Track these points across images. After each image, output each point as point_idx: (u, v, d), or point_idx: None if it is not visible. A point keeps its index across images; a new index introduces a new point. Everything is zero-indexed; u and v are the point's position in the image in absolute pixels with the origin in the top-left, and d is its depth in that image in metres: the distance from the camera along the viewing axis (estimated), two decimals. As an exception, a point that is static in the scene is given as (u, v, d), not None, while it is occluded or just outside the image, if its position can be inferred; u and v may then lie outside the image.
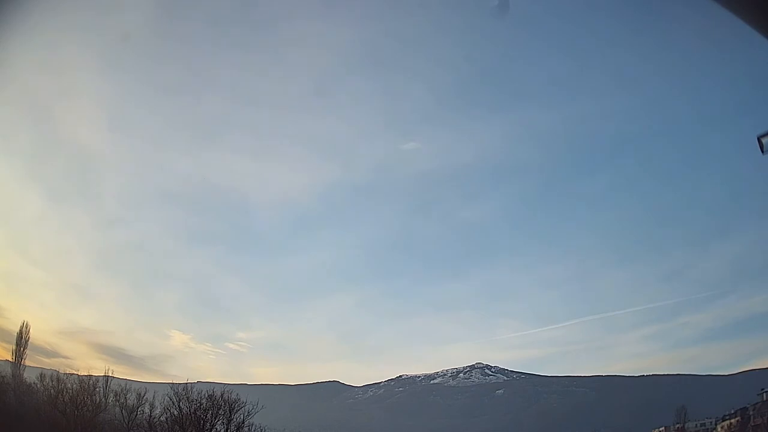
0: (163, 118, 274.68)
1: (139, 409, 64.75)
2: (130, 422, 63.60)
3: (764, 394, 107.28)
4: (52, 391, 61.88)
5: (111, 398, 65.06)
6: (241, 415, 64.39)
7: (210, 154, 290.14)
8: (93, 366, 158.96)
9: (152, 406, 65.26)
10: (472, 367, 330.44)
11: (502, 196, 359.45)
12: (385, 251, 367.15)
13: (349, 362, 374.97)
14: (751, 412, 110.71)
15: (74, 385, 62.36)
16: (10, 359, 73.22)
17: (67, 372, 67.18)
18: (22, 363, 73.44)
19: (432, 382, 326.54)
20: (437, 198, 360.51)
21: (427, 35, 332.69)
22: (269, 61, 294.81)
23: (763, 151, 5.43)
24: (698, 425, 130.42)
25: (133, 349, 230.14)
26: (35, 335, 77.84)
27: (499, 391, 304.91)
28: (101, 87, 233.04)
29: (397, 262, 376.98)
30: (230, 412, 63.70)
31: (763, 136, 5.45)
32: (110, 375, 71.54)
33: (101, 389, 65.41)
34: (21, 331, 76.03)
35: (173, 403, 62.57)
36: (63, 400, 59.40)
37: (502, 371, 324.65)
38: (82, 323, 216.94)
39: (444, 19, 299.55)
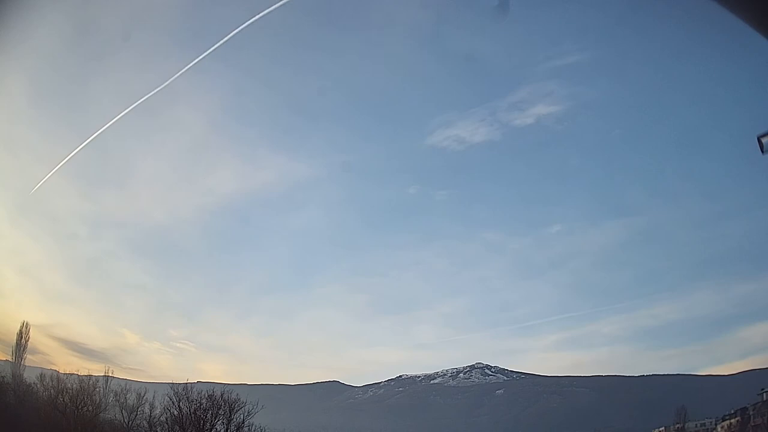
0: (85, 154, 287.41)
1: (139, 409, 64.86)
2: (130, 422, 63.67)
3: (764, 394, 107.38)
4: (52, 391, 61.97)
5: (111, 398, 65.19)
6: (241, 415, 64.48)
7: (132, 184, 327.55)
8: (66, 361, 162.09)
9: (152, 406, 65.41)
10: (472, 367, 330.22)
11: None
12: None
13: (348, 362, 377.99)
14: (751, 412, 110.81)
15: (74, 385, 62.40)
16: (9, 359, 73.55)
17: (67, 372, 67.39)
18: (22, 363, 73.67)
19: (432, 382, 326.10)
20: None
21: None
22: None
23: (763, 151, 5.43)
24: (698, 425, 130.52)
25: (94, 345, 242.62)
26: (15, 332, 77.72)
27: (499, 391, 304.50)
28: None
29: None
30: (230, 413, 63.75)
31: (763, 136, 5.44)
32: (110, 375, 71.76)
33: (101, 389, 65.59)
34: (21, 331, 76.32)
35: (173, 403, 62.63)
36: (63, 400, 59.42)
37: (502, 371, 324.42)
38: (52, 321, 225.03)
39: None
